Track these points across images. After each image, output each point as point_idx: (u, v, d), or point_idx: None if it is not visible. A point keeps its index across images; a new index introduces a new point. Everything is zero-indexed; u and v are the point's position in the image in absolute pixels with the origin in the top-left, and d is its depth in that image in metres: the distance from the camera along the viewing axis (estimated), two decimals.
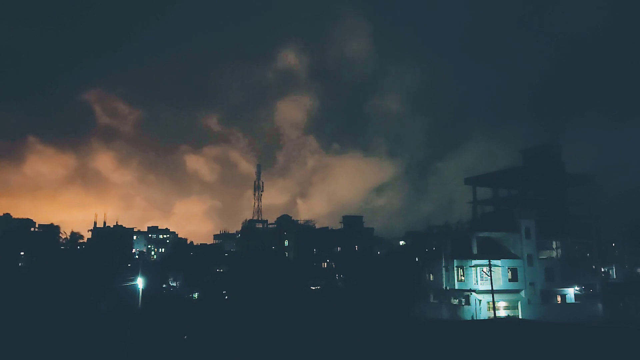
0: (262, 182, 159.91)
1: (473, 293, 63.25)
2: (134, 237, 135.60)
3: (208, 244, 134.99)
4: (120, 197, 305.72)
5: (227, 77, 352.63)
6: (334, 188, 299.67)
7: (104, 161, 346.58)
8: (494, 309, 60.25)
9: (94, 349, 38.21)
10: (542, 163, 75.55)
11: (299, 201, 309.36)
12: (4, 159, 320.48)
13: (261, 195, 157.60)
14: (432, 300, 70.22)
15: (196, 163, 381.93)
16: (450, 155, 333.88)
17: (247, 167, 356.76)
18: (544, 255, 68.75)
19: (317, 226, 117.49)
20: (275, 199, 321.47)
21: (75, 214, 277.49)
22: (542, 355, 36.79)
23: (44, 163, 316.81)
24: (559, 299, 68.10)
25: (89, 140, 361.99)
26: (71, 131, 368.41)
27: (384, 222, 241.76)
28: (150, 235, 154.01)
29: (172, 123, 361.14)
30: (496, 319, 59.05)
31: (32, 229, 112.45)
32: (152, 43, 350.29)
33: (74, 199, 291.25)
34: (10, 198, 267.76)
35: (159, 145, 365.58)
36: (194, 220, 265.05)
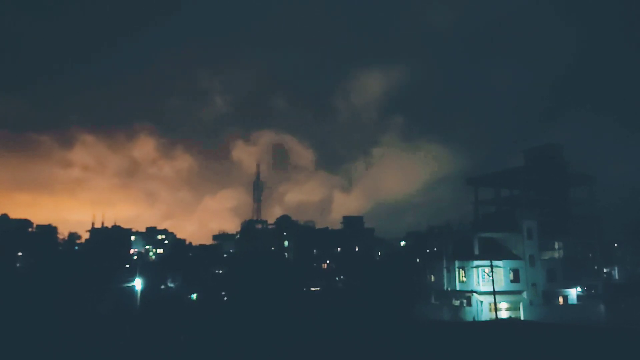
0: (262, 183, 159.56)
1: (474, 294, 62.69)
2: (132, 238, 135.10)
3: (207, 244, 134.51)
4: (147, 193, 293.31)
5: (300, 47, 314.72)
6: (383, 182, 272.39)
7: (144, 151, 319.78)
8: (496, 310, 59.70)
9: (92, 350, 37.73)
10: (544, 163, 75.02)
11: (336, 197, 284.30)
12: (33, 151, 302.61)
13: (261, 195, 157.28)
14: (433, 301, 69.66)
15: (243, 152, 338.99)
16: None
17: (303, 155, 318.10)
18: (546, 255, 68.09)
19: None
20: (312, 195, 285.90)
21: (94, 212, 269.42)
22: (544, 356, 36.31)
23: (73, 157, 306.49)
24: (561, 300, 67.46)
25: (131, 129, 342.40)
26: (114, 121, 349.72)
27: (416, 220, 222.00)
28: (148, 236, 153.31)
29: (225, 105, 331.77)
30: (498, 320, 58.54)
31: (30, 230, 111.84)
32: (207, 18, 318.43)
33: (97, 196, 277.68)
34: (29, 194, 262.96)
35: (206, 132, 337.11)
36: (218, 217, 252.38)
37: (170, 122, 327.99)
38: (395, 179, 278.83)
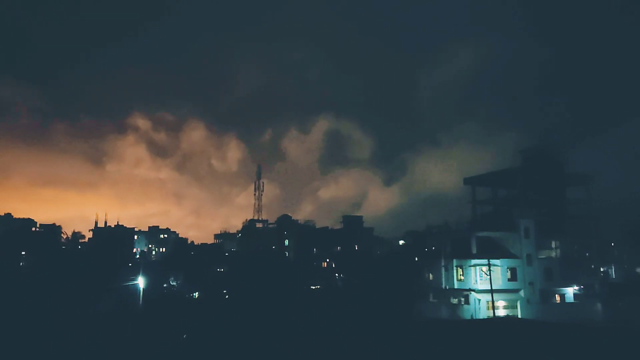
0: (263, 182, 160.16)
1: (472, 292, 63.44)
2: (135, 237, 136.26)
3: (209, 243, 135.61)
4: (182, 189, 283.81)
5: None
6: (429, 178, 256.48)
7: (187, 144, 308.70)
8: (493, 308, 60.42)
9: (94, 349, 38.35)
10: (542, 163, 75.54)
11: (371, 194, 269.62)
12: (63, 144, 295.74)
13: (261, 195, 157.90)
14: (431, 299, 70.45)
15: (293, 142, 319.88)
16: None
17: (361, 144, 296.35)
18: (543, 254, 68.77)
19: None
20: (347, 191, 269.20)
21: (104, 211, 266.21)
22: (541, 354, 36.87)
23: (101, 152, 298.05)
24: (558, 298, 68.17)
25: (173, 121, 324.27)
26: (151, 112, 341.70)
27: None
28: (151, 235, 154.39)
29: (278, 92, 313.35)
30: (495, 318, 59.26)
31: (33, 229, 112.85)
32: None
33: (124, 193, 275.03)
34: (55, 189, 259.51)
35: (249, 121, 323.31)
36: (244, 214, 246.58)
37: (218, 114, 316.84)
38: (453, 172, 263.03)
